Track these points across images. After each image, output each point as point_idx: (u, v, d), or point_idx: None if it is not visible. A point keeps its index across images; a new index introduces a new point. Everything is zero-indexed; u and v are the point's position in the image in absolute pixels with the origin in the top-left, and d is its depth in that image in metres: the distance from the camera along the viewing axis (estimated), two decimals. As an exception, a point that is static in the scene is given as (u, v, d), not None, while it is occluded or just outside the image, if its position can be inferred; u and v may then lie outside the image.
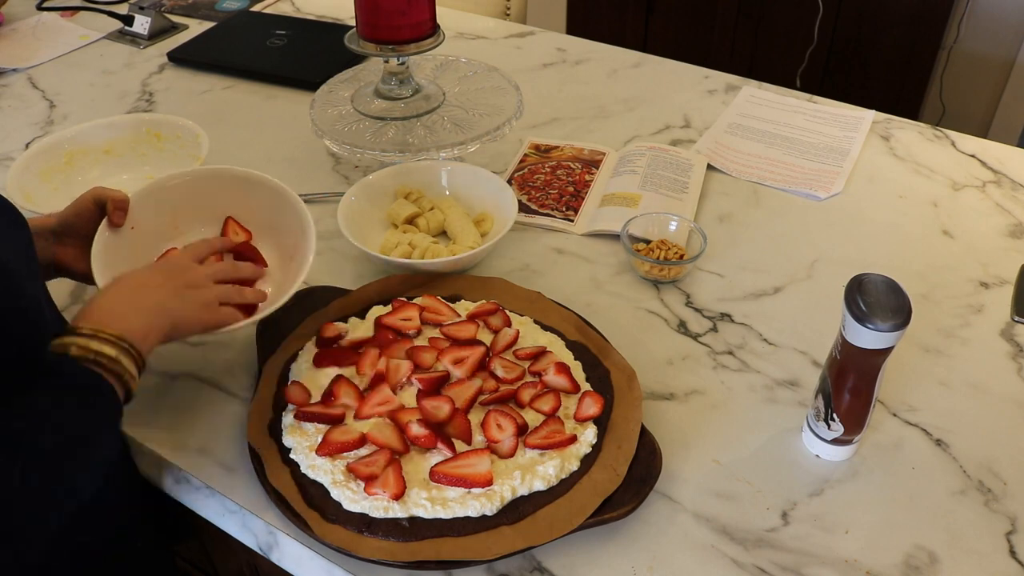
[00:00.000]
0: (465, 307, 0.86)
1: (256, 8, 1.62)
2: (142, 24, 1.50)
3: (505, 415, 0.74)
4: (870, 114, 1.26)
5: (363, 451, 0.72)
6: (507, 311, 0.85)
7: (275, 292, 0.85)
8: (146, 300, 0.68)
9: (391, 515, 0.68)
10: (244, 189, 0.90)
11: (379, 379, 0.77)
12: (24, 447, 0.54)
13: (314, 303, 0.88)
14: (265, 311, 0.79)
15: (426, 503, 0.68)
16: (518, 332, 0.82)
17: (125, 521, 0.79)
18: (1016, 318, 0.90)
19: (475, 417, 0.75)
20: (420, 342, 0.82)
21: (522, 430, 0.74)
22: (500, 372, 0.78)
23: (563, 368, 0.78)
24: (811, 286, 0.96)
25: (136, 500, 0.81)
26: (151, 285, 0.70)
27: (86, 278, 0.80)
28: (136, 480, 0.80)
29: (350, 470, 0.70)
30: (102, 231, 0.81)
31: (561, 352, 0.82)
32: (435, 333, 0.83)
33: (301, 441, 0.73)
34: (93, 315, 0.64)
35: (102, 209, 0.81)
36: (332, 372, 0.79)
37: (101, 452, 0.62)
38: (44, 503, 0.56)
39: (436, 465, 0.70)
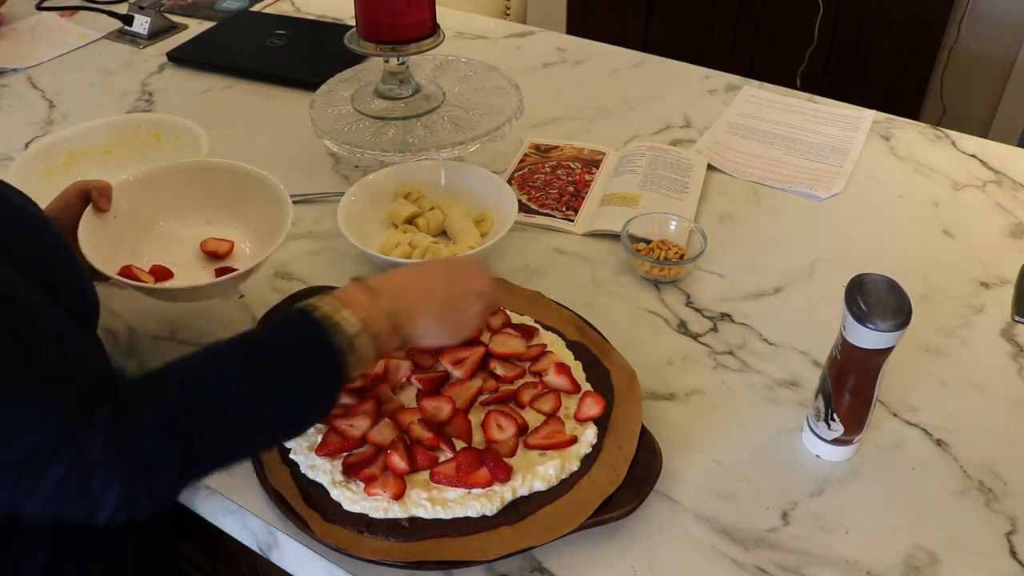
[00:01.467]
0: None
1: (256, 8, 1.62)
2: (142, 24, 1.50)
3: (505, 415, 0.74)
4: (870, 114, 1.26)
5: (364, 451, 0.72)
6: (507, 311, 0.85)
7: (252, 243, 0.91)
8: (409, 303, 0.67)
9: (391, 515, 0.68)
10: (219, 178, 0.93)
11: (377, 380, 0.78)
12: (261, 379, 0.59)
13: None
14: (245, 268, 0.83)
15: (426, 503, 0.68)
16: (544, 347, 0.82)
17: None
18: (1016, 318, 0.90)
19: (475, 417, 0.75)
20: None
21: (522, 430, 0.74)
22: (500, 372, 0.78)
23: (563, 368, 0.78)
24: (811, 286, 0.96)
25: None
26: (420, 290, 0.68)
27: None
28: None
29: (349, 471, 0.70)
30: (87, 217, 0.83)
31: (561, 352, 0.82)
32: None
33: (300, 441, 0.73)
34: (379, 283, 0.66)
35: (86, 200, 0.83)
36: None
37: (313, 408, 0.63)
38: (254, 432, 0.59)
39: (436, 466, 0.70)
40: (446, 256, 0.91)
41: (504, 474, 0.69)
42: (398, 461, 0.70)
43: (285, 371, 0.60)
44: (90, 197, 0.83)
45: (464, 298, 0.70)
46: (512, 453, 0.72)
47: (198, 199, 0.94)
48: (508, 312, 0.85)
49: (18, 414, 0.51)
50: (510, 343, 0.80)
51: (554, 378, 0.78)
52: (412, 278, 0.69)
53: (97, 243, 0.82)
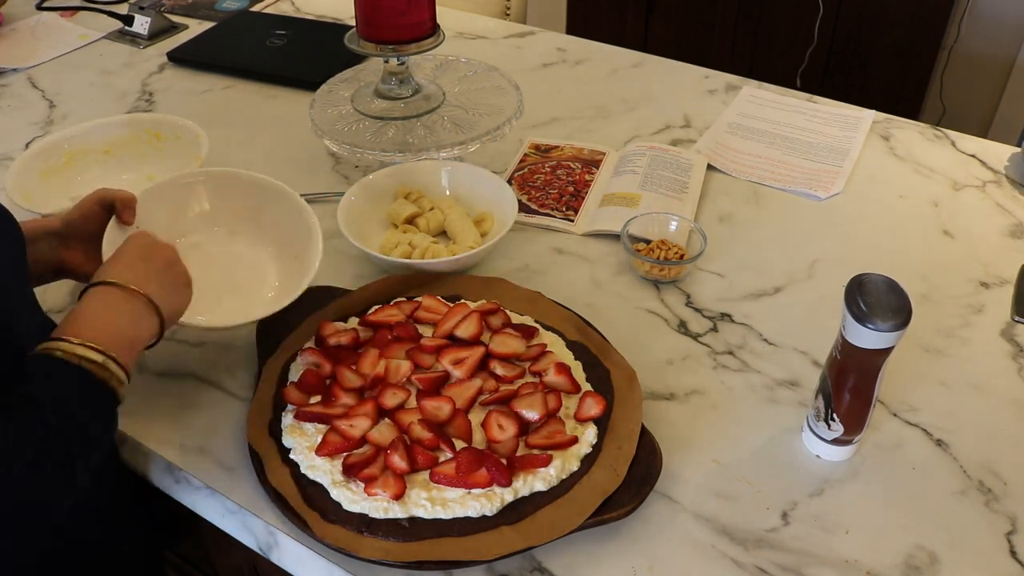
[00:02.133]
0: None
1: (256, 8, 1.62)
2: (142, 24, 1.50)
3: (507, 415, 0.74)
4: (870, 114, 1.26)
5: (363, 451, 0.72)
6: (507, 311, 0.85)
7: (280, 293, 0.85)
8: (132, 303, 0.67)
9: (391, 515, 0.68)
10: (249, 191, 0.90)
11: (378, 380, 0.78)
12: (27, 437, 0.55)
13: (314, 303, 0.87)
14: (271, 310, 0.80)
15: (426, 503, 0.68)
16: (544, 346, 0.82)
17: (111, 523, 0.79)
18: (1016, 318, 0.90)
19: (475, 417, 0.75)
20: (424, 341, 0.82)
21: (523, 430, 0.74)
22: (500, 372, 0.78)
23: (563, 368, 0.78)
24: (811, 286, 0.96)
25: (122, 502, 0.81)
26: (137, 280, 0.69)
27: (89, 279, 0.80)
28: (122, 482, 0.80)
29: (349, 471, 0.70)
30: (111, 230, 0.80)
31: (561, 352, 0.82)
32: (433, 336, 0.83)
33: (301, 441, 0.73)
34: (77, 324, 0.64)
35: (108, 211, 0.81)
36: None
37: (100, 442, 0.62)
38: (45, 493, 0.56)
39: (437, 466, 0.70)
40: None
41: (505, 479, 0.69)
42: (398, 461, 0.70)
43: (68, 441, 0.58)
44: (113, 208, 0.81)
45: (170, 267, 0.73)
46: (513, 453, 0.72)
47: (221, 210, 0.91)
48: (508, 312, 0.85)
49: None
50: (510, 343, 0.80)
51: (554, 378, 0.78)
52: (125, 267, 0.70)
53: None
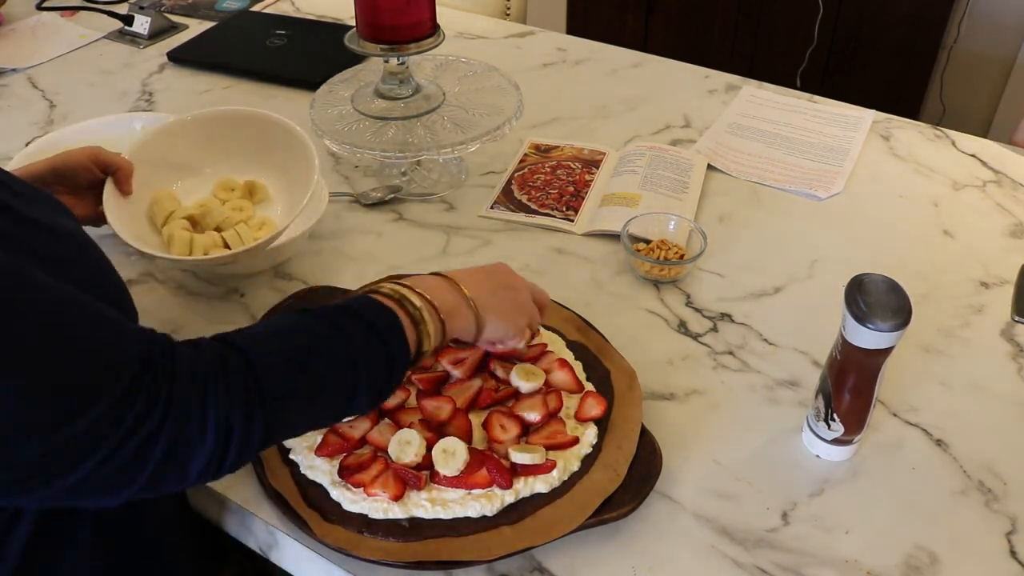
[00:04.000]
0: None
1: (256, 8, 1.62)
2: (142, 24, 1.50)
3: (509, 416, 0.74)
4: (870, 114, 1.26)
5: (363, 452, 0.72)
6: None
7: (284, 213, 0.92)
8: (469, 287, 0.70)
9: (391, 516, 0.68)
10: (237, 125, 0.95)
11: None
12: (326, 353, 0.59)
13: (314, 303, 0.87)
14: (283, 227, 0.85)
15: (426, 504, 0.68)
16: (545, 346, 0.82)
17: (169, 544, 0.78)
18: (1016, 318, 0.90)
19: (475, 417, 0.75)
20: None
21: (525, 431, 0.74)
22: (500, 372, 0.78)
23: (565, 363, 0.78)
24: (811, 286, 0.95)
25: (181, 523, 0.81)
26: (473, 278, 0.72)
27: (83, 223, 0.80)
28: (182, 505, 0.80)
29: (344, 472, 0.70)
30: (111, 195, 0.84)
31: (561, 352, 0.82)
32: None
33: (300, 442, 0.73)
34: (412, 279, 0.68)
35: (101, 169, 0.84)
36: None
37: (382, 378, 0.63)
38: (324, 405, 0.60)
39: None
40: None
41: (506, 481, 0.69)
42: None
43: (355, 335, 0.61)
44: (108, 171, 0.84)
45: (512, 288, 0.75)
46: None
47: (217, 153, 0.95)
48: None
49: (109, 368, 0.51)
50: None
51: (557, 373, 0.78)
52: (466, 273, 0.72)
53: (127, 224, 0.84)
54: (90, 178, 0.84)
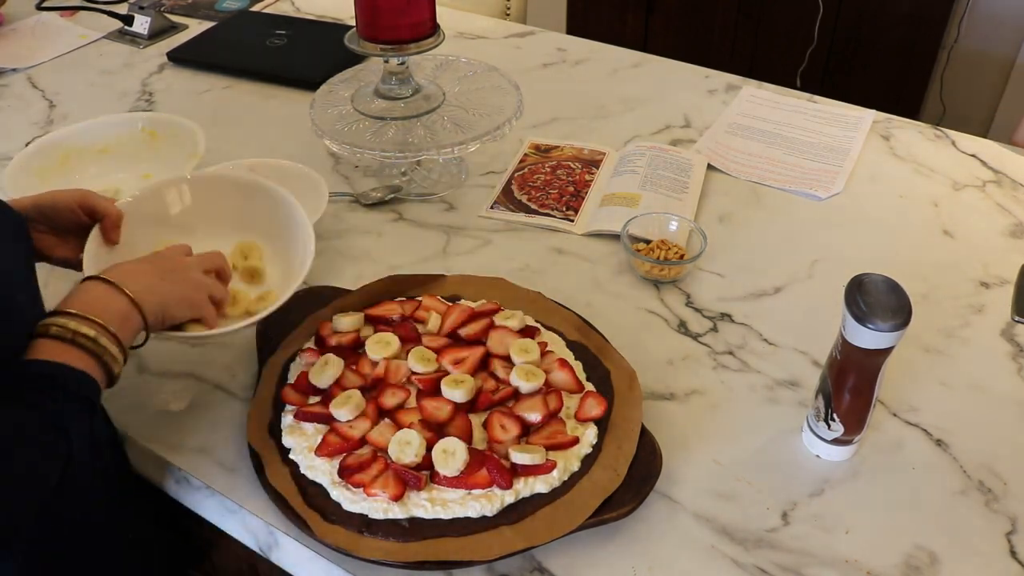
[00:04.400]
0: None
1: (256, 8, 1.62)
2: (142, 24, 1.50)
3: (509, 416, 0.74)
4: (870, 114, 1.26)
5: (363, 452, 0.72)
6: (507, 311, 0.85)
7: (276, 292, 0.85)
8: (130, 285, 0.69)
9: (391, 516, 0.68)
10: (233, 191, 0.89)
11: (378, 380, 0.78)
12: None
13: (314, 303, 0.88)
14: (267, 310, 0.79)
15: (426, 503, 0.68)
16: (545, 345, 0.82)
17: (134, 541, 0.79)
18: (1016, 318, 0.90)
19: (475, 418, 0.75)
20: (427, 341, 0.82)
21: (526, 431, 0.74)
22: (500, 372, 0.78)
23: (565, 363, 0.78)
24: (811, 286, 0.95)
25: (147, 522, 0.81)
26: (136, 272, 0.71)
27: (63, 263, 0.80)
28: (146, 503, 0.80)
29: (344, 472, 0.70)
30: (94, 244, 0.79)
31: (561, 352, 0.82)
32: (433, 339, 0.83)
33: (300, 442, 0.73)
34: (75, 300, 0.66)
35: (89, 215, 0.80)
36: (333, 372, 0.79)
37: (66, 441, 0.60)
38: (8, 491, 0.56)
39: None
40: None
41: (506, 481, 0.69)
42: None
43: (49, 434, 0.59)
44: (96, 218, 0.80)
45: (177, 270, 0.74)
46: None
47: (206, 212, 0.88)
48: (504, 309, 0.85)
49: None
50: (507, 340, 0.80)
51: (557, 373, 0.78)
52: (127, 268, 0.71)
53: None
54: (74, 220, 0.79)
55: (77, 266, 0.78)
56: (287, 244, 0.86)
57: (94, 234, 0.79)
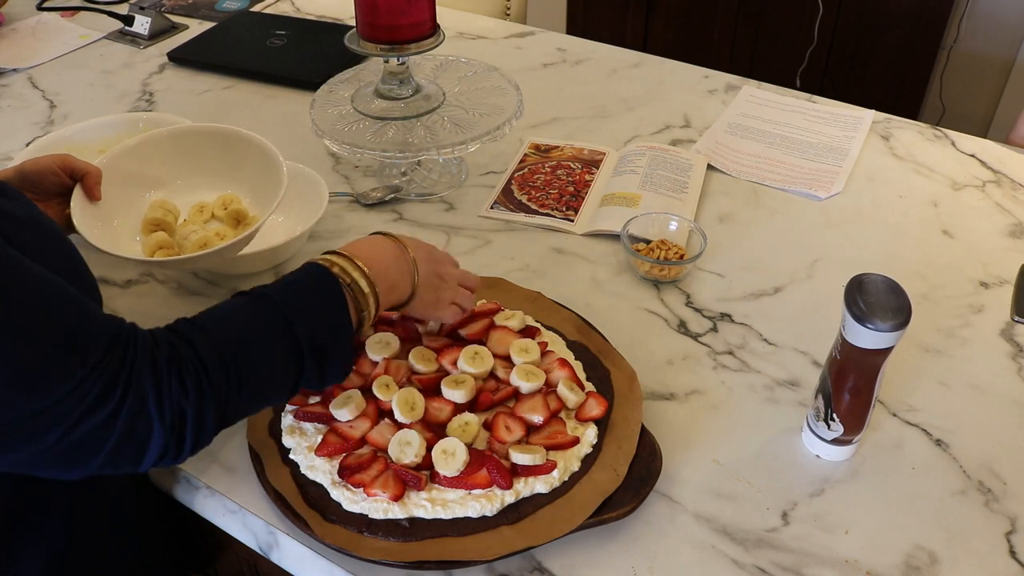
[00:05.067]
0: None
1: (256, 8, 1.62)
2: (142, 24, 1.50)
3: (514, 417, 0.74)
4: (870, 114, 1.26)
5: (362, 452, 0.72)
6: (508, 311, 0.85)
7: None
8: (405, 263, 0.73)
9: (391, 516, 0.68)
10: (205, 141, 0.94)
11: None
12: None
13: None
14: (251, 229, 0.83)
15: (426, 503, 0.68)
16: (545, 345, 0.82)
17: (138, 552, 0.79)
18: (1016, 318, 0.90)
19: (476, 418, 0.75)
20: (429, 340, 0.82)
21: (528, 431, 0.74)
22: (500, 372, 0.78)
23: (565, 363, 0.78)
24: (811, 286, 0.96)
25: (147, 523, 0.82)
26: (417, 254, 0.75)
27: None
28: (146, 504, 0.81)
29: (344, 473, 0.70)
30: (79, 201, 0.83)
31: (562, 352, 0.82)
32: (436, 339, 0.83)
33: (300, 441, 0.73)
34: (363, 250, 0.71)
35: (70, 177, 0.84)
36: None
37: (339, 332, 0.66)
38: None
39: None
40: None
41: (506, 481, 0.69)
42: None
43: (301, 301, 0.65)
44: (77, 178, 0.84)
45: (446, 279, 0.78)
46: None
47: (188, 167, 0.94)
48: (504, 308, 0.85)
49: (65, 359, 0.53)
50: (510, 343, 0.80)
51: (557, 373, 0.78)
52: (389, 248, 0.74)
53: (97, 231, 0.83)
54: (58, 183, 0.83)
55: (63, 231, 0.81)
56: (266, 188, 0.90)
57: (77, 192, 0.84)
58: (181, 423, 0.57)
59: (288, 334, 0.63)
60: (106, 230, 0.86)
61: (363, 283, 0.68)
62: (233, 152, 0.94)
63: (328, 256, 0.69)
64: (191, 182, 0.95)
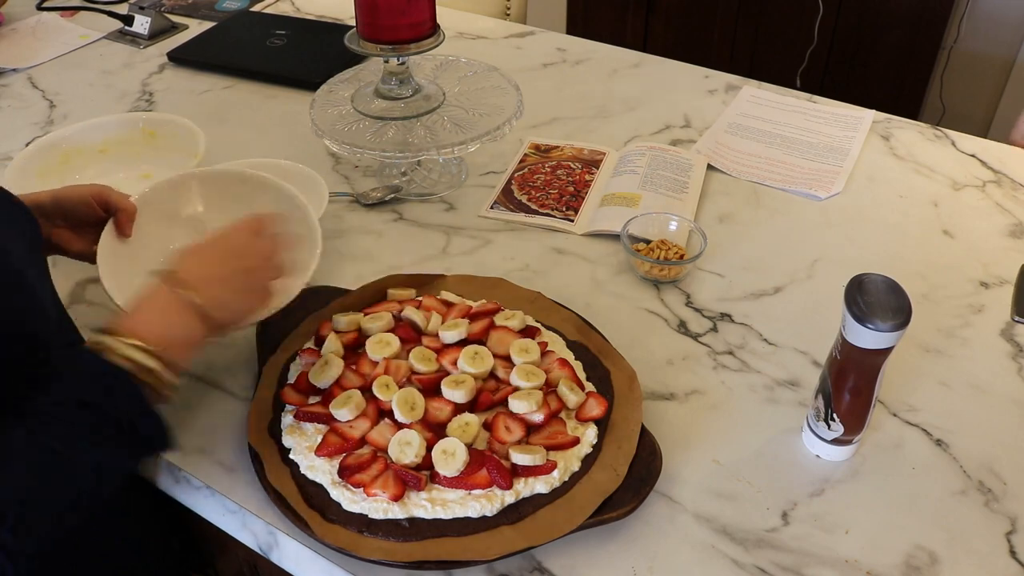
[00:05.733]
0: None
1: (256, 8, 1.62)
2: (142, 24, 1.50)
3: (514, 418, 0.74)
4: (870, 114, 1.26)
5: (363, 451, 0.72)
6: (508, 311, 0.85)
7: (281, 293, 0.85)
8: (179, 306, 0.66)
9: (391, 516, 0.68)
10: (243, 189, 0.90)
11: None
12: (54, 429, 0.56)
13: (314, 303, 0.88)
14: (271, 308, 0.79)
15: (426, 503, 0.68)
16: (545, 345, 0.82)
17: (134, 551, 0.79)
18: (1016, 318, 0.90)
19: (476, 418, 0.75)
20: (428, 342, 0.82)
21: (528, 431, 0.74)
22: (501, 373, 0.78)
23: (565, 363, 0.78)
24: (811, 286, 0.96)
25: (147, 524, 0.82)
26: (202, 276, 0.68)
27: (80, 257, 0.82)
28: (146, 505, 0.81)
29: (344, 473, 0.70)
30: (108, 237, 0.81)
31: (561, 352, 0.82)
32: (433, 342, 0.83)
33: (300, 441, 0.73)
34: (138, 318, 0.64)
35: (104, 209, 0.81)
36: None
37: (133, 437, 0.61)
38: (69, 486, 0.57)
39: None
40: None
41: (506, 482, 0.69)
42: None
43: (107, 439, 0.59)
44: (110, 212, 0.82)
45: (253, 271, 0.72)
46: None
47: (216, 209, 0.90)
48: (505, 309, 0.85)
49: None
50: (510, 343, 0.80)
51: (557, 373, 0.78)
52: (198, 263, 0.69)
53: (118, 264, 0.81)
54: (91, 214, 0.81)
55: (92, 258, 0.81)
56: (295, 243, 0.86)
57: (108, 227, 0.82)
58: None
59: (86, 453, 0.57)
60: (132, 280, 0.81)
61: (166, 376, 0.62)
62: (266, 201, 0.89)
63: (100, 340, 0.61)
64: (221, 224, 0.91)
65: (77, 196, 0.80)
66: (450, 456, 0.70)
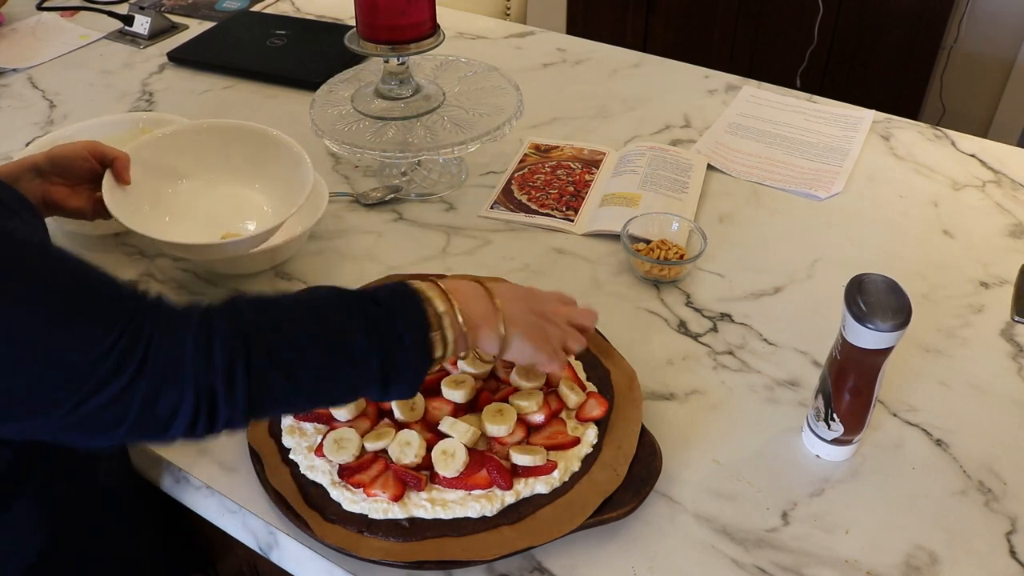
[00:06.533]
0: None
1: (256, 8, 1.62)
2: (142, 24, 1.50)
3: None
4: (870, 114, 1.26)
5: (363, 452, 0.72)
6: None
7: (275, 215, 0.94)
8: (498, 302, 0.68)
9: (391, 516, 0.68)
10: (234, 138, 0.97)
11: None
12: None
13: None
14: (265, 228, 0.86)
15: (426, 504, 0.68)
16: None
17: (133, 550, 0.79)
18: (1016, 318, 0.90)
19: (476, 418, 0.75)
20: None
21: (530, 432, 0.74)
22: (500, 372, 0.78)
23: (567, 365, 0.78)
24: (811, 286, 0.96)
25: (147, 524, 0.82)
26: (510, 297, 0.70)
27: (76, 214, 0.84)
28: (146, 505, 0.81)
29: (343, 474, 0.70)
30: (110, 186, 0.85)
31: (561, 352, 0.82)
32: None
33: (300, 441, 0.73)
34: (449, 283, 0.66)
35: (99, 162, 0.85)
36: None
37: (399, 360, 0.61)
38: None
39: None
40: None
41: (506, 482, 0.69)
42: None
43: (371, 319, 0.60)
44: (106, 164, 0.85)
45: (552, 319, 0.72)
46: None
47: (215, 161, 0.96)
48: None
49: (96, 314, 0.52)
50: None
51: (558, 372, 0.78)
52: (510, 290, 0.71)
53: (129, 214, 0.84)
54: (87, 168, 0.84)
55: (89, 215, 0.85)
56: (289, 189, 0.92)
57: (108, 176, 0.86)
58: (210, 401, 0.54)
59: (362, 331, 0.59)
60: (137, 214, 0.87)
61: (449, 328, 0.63)
62: (261, 151, 0.96)
63: (417, 284, 0.65)
64: (216, 177, 0.97)
65: (72, 151, 0.83)
66: (450, 457, 0.70)
